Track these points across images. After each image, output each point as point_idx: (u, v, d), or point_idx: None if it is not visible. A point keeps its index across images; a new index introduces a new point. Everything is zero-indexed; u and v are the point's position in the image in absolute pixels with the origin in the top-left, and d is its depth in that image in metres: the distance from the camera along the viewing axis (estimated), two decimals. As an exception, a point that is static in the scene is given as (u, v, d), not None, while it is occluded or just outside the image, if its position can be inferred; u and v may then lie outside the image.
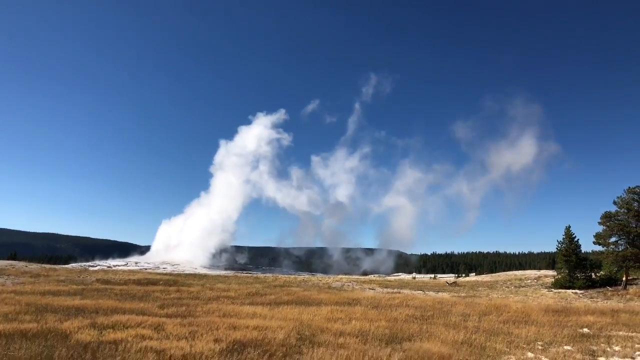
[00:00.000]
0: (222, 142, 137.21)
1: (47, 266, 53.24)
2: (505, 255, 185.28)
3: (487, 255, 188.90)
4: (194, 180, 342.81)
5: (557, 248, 42.64)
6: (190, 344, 10.48)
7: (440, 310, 20.50)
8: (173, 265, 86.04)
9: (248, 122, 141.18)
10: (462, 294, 33.66)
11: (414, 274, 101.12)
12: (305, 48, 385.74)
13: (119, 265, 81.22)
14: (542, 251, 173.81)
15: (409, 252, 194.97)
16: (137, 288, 29.01)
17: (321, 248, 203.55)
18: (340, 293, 30.07)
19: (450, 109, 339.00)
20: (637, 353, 11.82)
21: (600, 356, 11.50)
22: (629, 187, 37.99)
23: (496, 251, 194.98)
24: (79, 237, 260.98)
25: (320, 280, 45.98)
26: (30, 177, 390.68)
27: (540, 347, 12.32)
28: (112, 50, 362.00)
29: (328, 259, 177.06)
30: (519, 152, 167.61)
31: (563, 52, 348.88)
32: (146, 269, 73.86)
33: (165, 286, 31.66)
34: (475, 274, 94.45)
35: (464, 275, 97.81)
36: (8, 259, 67.18)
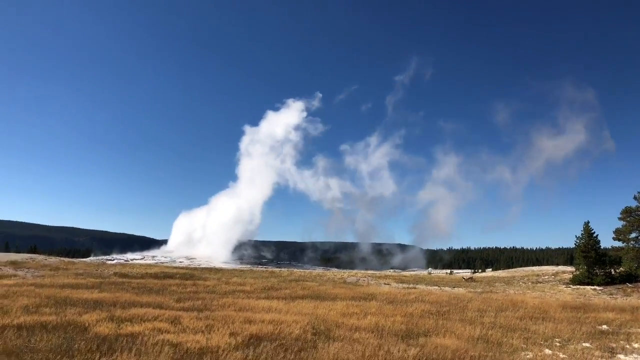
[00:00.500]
0: (248, 129, 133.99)
1: (66, 259, 54.04)
2: (522, 251, 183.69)
3: (503, 250, 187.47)
4: (212, 174, 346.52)
5: (575, 244, 42.04)
6: (207, 338, 10.55)
7: (456, 306, 20.38)
8: (189, 259, 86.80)
9: (276, 109, 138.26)
10: (479, 290, 33.43)
11: (429, 270, 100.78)
12: (336, 33, 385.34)
13: (136, 259, 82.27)
14: (560, 247, 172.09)
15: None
16: (154, 282, 29.30)
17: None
18: (355, 288, 30.04)
19: (492, 92, 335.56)
20: (658, 351, 11.63)
21: (620, 353, 11.34)
22: (650, 182, 37.29)
23: (513, 246, 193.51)
24: (97, 231, 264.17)
25: (336, 275, 46.00)
26: (50, 172, 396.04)
27: (558, 344, 12.18)
28: (128, 45, 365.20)
29: (356, 253, 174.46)
30: (564, 140, 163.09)
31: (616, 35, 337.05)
32: (163, 262, 74.68)
33: (181, 280, 31.93)
34: (492, 270, 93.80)
35: (480, 270, 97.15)
36: (28, 252, 68.41)
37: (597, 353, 11.17)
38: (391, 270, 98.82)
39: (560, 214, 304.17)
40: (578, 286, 37.77)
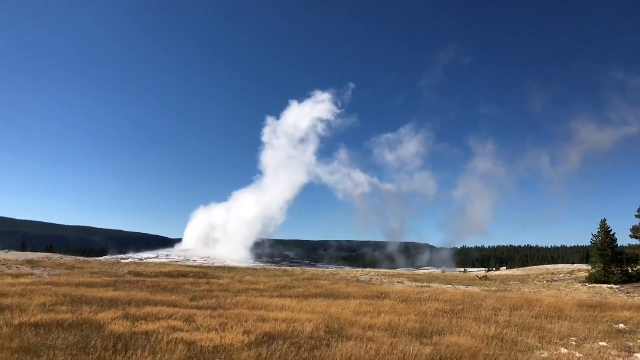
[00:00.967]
0: (270, 121, 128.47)
1: (81, 258, 54.64)
2: (537, 249, 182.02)
3: (518, 248, 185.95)
4: (227, 173, 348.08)
5: (591, 241, 41.62)
6: (220, 336, 10.60)
7: (470, 304, 20.25)
8: (203, 258, 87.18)
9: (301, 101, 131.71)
10: (493, 288, 33.21)
11: (443, 268, 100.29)
12: (368, 22, 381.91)
13: (150, 258, 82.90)
14: (575, 245, 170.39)
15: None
16: (168, 280, 29.49)
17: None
18: (368, 286, 29.99)
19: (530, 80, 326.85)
20: (676, 350, 11.46)
21: (637, 352, 11.19)
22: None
23: (527, 245, 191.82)
24: (112, 230, 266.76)
25: (349, 274, 45.96)
26: (66, 172, 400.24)
27: (574, 343, 12.05)
28: (141, 47, 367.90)
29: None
30: (609, 131, 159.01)
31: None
32: (176, 261, 75.16)
33: (195, 278, 32.10)
34: (506, 268, 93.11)
35: (494, 269, 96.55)
36: (44, 251, 69.23)
37: (613, 352, 11.03)
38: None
39: (576, 211, 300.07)
40: (594, 284, 37.37)
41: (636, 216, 38.90)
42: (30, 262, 38.82)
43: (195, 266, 53.63)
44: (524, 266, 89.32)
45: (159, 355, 8.65)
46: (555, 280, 42.57)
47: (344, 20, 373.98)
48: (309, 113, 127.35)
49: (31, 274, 30.16)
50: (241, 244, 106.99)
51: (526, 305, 20.32)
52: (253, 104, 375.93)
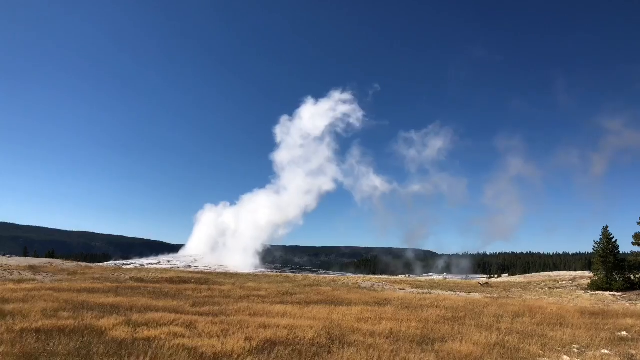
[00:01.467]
0: (284, 119, 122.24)
1: (83, 264, 54.62)
2: (539, 256, 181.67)
3: (520, 255, 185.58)
4: (230, 180, 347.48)
5: (593, 249, 41.51)
6: (222, 342, 10.60)
7: (472, 312, 20.20)
8: (205, 264, 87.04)
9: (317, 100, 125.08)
10: (495, 295, 33.12)
11: (445, 275, 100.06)
12: (393, 19, 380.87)
13: (151, 264, 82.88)
14: (578, 252, 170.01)
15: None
16: (170, 286, 29.48)
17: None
18: (370, 293, 29.94)
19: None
20: (679, 358, 11.41)
21: (640, 361, 11.15)
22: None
23: (529, 251, 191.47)
24: (114, 235, 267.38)
25: (350, 280, 45.89)
26: (67, 177, 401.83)
27: (576, 351, 12.02)
28: (146, 50, 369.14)
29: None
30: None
31: None
32: (178, 267, 75.11)
33: (196, 284, 32.09)
34: (508, 275, 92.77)
35: (496, 276, 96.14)
36: (46, 257, 69.22)
37: (616, 360, 11.00)
38: (406, 275, 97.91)
39: (579, 218, 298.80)
40: (596, 292, 37.24)
41: (639, 223, 38.80)
42: (32, 268, 38.82)
43: (197, 272, 53.58)
44: (526, 273, 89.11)
45: (160, 362, 8.66)
46: (557, 288, 42.43)
47: (367, 20, 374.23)
48: (327, 113, 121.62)
49: (33, 280, 30.18)
50: (249, 251, 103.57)
51: (528, 312, 20.26)
52: (260, 108, 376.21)
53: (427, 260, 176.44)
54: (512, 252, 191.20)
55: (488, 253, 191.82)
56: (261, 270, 77.02)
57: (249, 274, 55.59)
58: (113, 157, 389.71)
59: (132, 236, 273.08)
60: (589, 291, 38.23)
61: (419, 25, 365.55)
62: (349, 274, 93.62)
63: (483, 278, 75.84)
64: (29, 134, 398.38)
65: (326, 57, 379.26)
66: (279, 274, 64.86)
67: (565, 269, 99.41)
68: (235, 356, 9.49)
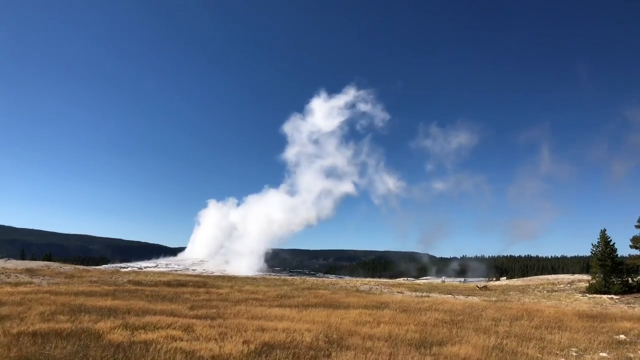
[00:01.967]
0: (295, 117, 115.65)
1: (81, 267, 54.51)
2: (537, 259, 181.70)
3: (518, 259, 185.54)
4: (229, 183, 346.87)
5: (591, 252, 41.52)
6: (220, 346, 10.57)
7: (471, 315, 20.19)
8: (202, 267, 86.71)
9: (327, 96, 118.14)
10: (493, 298, 33.11)
11: (443, 278, 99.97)
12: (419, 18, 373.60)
13: (149, 267, 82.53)
14: (576, 255, 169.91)
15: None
16: (167, 289, 29.42)
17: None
18: (368, 296, 29.92)
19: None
20: (677, 361, 11.41)
21: (638, 364, 11.14)
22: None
23: (528, 255, 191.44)
24: (111, 238, 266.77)
25: (348, 283, 45.85)
26: (65, 180, 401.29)
27: (574, 354, 12.01)
28: (145, 52, 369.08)
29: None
30: None
31: None
32: (176, 270, 74.89)
33: (194, 288, 32.03)
34: (507, 278, 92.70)
35: (494, 279, 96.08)
36: (43, 260, 69.11)
37: (614, 363, 10.99)
38: (404, 279, 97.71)
39: (577, 221, 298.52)
40: (594, 295, 37.25)
41: (636, 226, 38.86)
42: (30, 271, 38.72)
43: (195, 275, 53.50)
44: (524, 276, 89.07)
45: (157, 365, 8.63)
46: (555, 291, 42.43)
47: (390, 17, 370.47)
48: (339, 110, 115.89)
49: (30, 283, 30.09)
50: (254, 254, 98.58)
51: (526, 315, 20.26)
52: (260, 110, 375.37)
53: (430, 263, 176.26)
54: (510, 256, 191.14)
55: (487, 256, 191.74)
56: (259, 274, 76.31)
57: (246, 277, 55.50)
58: (111, 159, 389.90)
59: (130, 239, 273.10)
60: (587, 294, 38.23)
61: (440, 20, 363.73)
62: (347, 277, 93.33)
63: (481, 281, 75.80)
64: (26, 137, 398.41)
65: (337, 55, 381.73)
66: (277, 277, 64.74)
67: (563, 272, 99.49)
68: (233, 359, 9.47)
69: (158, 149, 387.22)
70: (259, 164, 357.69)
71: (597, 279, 39.64)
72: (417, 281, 79.95)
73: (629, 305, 30.85)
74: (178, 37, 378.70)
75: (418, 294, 35.36)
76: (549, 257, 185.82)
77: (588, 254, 45.58)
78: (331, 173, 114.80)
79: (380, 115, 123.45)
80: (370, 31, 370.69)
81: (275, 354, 10.10)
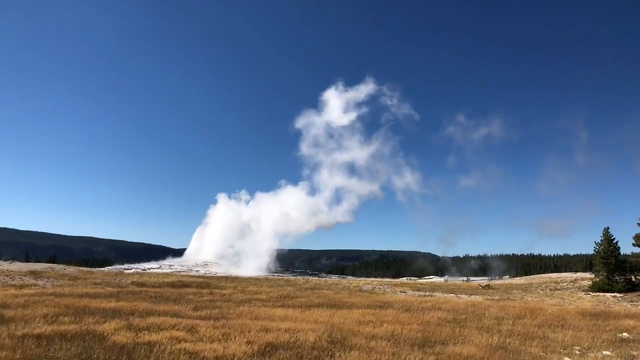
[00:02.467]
0: (306, 115, 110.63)
1: (85, 269, 54.63)
2: (540, 258, 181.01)
3: (520, 257, 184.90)
4: (234, 183, 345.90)
5: (594, 250, 41.47)
6: (223, 346, 10.62)
7: (473, 314, 20.21)
8: (205, 268, 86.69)
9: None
10: (496, 297, 33.10)
11: (446, 277, 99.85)
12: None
13: (153, 268, 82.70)
14: (579, 253, 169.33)
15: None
16: (171, 290, 29.49)
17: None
18: (371, 296, 29.94)
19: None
20: (681, 359, 11.42)
21: (641, 362, 11.16)
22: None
23: (530, 253, 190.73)
24: (115, 240, 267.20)
25: (351, 283, 45.87)
26: (68, 181, 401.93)
27: (577, 352, 12.03)
28: (152, 53, 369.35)
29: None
30: None
31: None
32: (179, 271, 75.03)
33: (198, 289, 32.08)
34: (509, 277, 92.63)
35: (497, 278, 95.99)
36: (47, 262, 69.25)
37: (617, 361, 11.00)
38: (425, 279, 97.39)
39: (579, 219, 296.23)
40: (598, 293, 37.20)
41: (639, 224, 38.79)
42: (34, 273, 38.83)
43: (198, 276, 53.59)
44: (527, 275, 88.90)
45: (162, 366, 8.67)
46: (558, 289, 42.39)
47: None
48: (356, 103, 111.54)
49: (34, 285, 30.18)
50: (264, 255, 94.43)
51: (529, 314, 20.27)
52: (269, 106, 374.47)
53: (431, 263, 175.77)
54: (513, 254, 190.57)
55: (489, 254, 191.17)
56: (262, 274, 76.13)
57: (250, 278, 55.58)
58: (113, 159, 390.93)
59: (134, 240, 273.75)
60: (590, 293, 38.19)
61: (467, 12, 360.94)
62: (350, 277, 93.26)
63: (484, 280, 75.74)
64: (28, 139, 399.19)
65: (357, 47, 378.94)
66: (280, 277, 64.81)
67: (566, 271, 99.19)
68: (237, 360, 9.52)
69: (161, 150, 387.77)
70: (270, 161, 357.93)
71: (601, 277, 39.60)
72: (420, 280, 79.90)
73: (632, 303, 30.81)
74: (182, 31, 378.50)
75: (421, 293, 35.37)
76: (552, 255, 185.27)
77: (591, 252, 45.55)
78: (352, 171, 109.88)
79: (399, 110, 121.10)
80: (387, 23, 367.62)
81: (279, 354, 10.14)
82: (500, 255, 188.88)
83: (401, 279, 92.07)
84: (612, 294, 35.94)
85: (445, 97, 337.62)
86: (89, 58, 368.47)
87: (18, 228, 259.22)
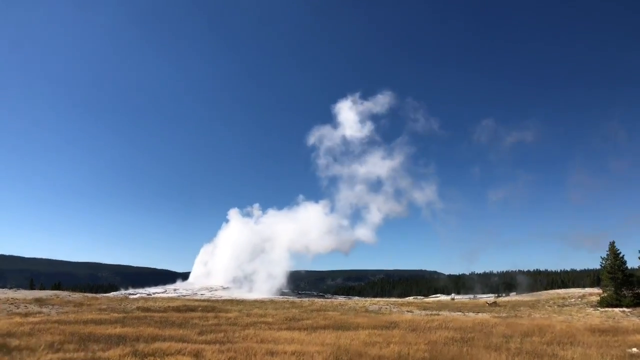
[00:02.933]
0: (321, 128, 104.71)
1: (90, 295, 54.46)
2: (547, 273, 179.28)
3: (527, 273, 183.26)
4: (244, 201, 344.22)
5: (601, 265, 41.24)
6: (229, 371, 10.57)
7: (481, 332, 20.06)
8: (210, 291, 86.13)
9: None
10: (503, 315, 32.82)
11: (452, 295, 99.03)
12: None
13: (158, 293, 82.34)
14: (586, 268, 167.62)
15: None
16: (176, 315, 29.37)
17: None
18: (377, 316, 29.74)
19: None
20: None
21: (651, 378, 11.05)
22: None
23: (536, 269, 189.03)
24: (120, 265, 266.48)
25: (357, 304, 45.58)
26: (72, 208, 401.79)
27: (586, 369, 11.92)
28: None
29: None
30: None
31: None
32: (184, 295, 74.66)
33: (203, 312, 31.96)
34: (516, 294, 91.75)
35: (504, 295, 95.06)
36: (52, 289, 69.04)
37: (627, 378, 10.90)
38: (412, 297, 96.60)
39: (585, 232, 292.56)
40: (606, 309, 36.87)
41: (645, 238, 38.70)
42: (39, 301, 38.75)
43: (203, 300, 53.35)
44: (533, 291, 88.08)
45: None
46: (566, 305, 42.03)
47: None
48: (372, 115, 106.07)
49: (40, 313, 30.11)
50: (277, 277, 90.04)
51: (537, 331, 20.10)
52: (271, 128, 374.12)
53: (433, 280, 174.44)
54: (519, 270, 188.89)
55: (495, 272, 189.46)
56: (267, 297, 75.30)
57: (255, 301, 55.27)
58: (116, 186, 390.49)
59: (138, 265, 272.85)
60: (598, 308, 37.86)
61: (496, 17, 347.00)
62: (356, 298, 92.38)
63: (491, 297, 75.09)
64: (33, 166, 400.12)
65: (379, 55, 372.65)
66: (285, 299, 64.42)
67: (573, 286, 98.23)
68: (243, 384, 9.48)
69: (163, 176, 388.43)
70: (273, 184, 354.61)
71: (608, 292, 39.30)
72: (427, 299, 79.26)
73: (641, 317, 30.52)
74: (182, 40, 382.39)
75: (428, 312, 35.12)
76: (558, 270, 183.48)
77: (598, 267, 45.26)
78: (374, 187, 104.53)
79: (419, 121, 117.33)
80: (402, 35, 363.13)
81: (285, 377, 10.09)
82: (504, 272, 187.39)
83: (408, 298, 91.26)
84: (621, 309, 35.62)
85: (467, 107, 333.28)
86: (104, 84, 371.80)
87: (23, 255, 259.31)
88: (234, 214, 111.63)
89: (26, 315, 28.22)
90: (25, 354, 12.86)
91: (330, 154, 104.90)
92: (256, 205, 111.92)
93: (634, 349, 15.09)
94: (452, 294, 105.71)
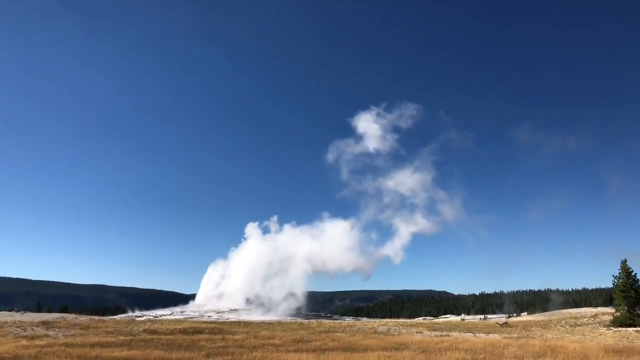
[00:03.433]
0: (336, 146, 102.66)
1: (96, 318, 54.29)
2: (558, 293, 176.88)
3: (538, 293, 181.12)
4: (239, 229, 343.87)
5: (613, 283, 40.75)
6: (237, 394, 10.43)
7: (492, 353, 19.73)
8: (218, 313, 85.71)
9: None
10: (514, 335, 32.33)
11: (462, 316, 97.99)
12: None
13: (165, 315, 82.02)
14: (598, 287, 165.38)
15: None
16: (183, 337, 29.17)
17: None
18: (386, 338, 29.39)
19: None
20: None
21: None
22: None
23: (548, 288, 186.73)
24: (126, 287, 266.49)
25: (366, 325, 45.12)
26: (79, 230, 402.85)
27: (601, 391, 11.66)
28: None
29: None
30: None
31: None
32: (191, 317, 74.36)
33: (210, 335, 31.72)
34: (527, 314, 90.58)
35: (515, 315, 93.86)
36: (59, 312, 69.04)
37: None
38: (421, 318, 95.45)
39: (596, 249, 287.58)
40: (619, 328, 36.29)
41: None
42: (46, 324, 38.66)
43: (211, 322, 53.03)
44: (545, 311, 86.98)
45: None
46: (579, 325, 41.41)
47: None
48: (394, 127, 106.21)
49: (46, 336, 30.01)
50: (294, 296, 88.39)
51: (550, 352, 19.76)
52: (272, 154, 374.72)
53: (443, 301, 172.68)
54: (530, 290, 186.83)
55: (505, 291, 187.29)
56: (275, 318, 74.66)
57: (262, 322, 54.89)
58: (122, 209, 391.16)
59: (145, 287, 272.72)
60: (611, 328, 37.27)
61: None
62: (364, 319, 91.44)
63: (502, 318, 74.14)
64: (38, 189, 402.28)
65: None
66: (293, 320, 63.93)
67: (585, 306, 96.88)
68: (251, 408, 9.33)
69: (169, 197, 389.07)
70: (280, 208, 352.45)
71: (622, 311, 38.75)
72: (436, 320, 78.40)
73: (656, 337, 29.99)
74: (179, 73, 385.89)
75: (437, 333, 34.68)
76: (570, 290, 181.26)
77: (610, 285, 44.69)
78: (402, 204, 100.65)
79: (445, 132, 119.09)
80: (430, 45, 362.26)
81: (293, 401, 9.94)
82: (516, 291, 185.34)
83: (417, 319, 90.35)
84: (635, 329, 35.05)
85: (498, 115, 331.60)
86: (97, 112, 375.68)
87: (30, 278, 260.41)
88: (252, 228, 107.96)
89: (33, 338, 28.13)
90: (31, 377, 12.77)
91: (350, 168, 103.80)
92: (274, 219, 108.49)
93: (650, 370, 14.79)
94: (462, 315, 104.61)
